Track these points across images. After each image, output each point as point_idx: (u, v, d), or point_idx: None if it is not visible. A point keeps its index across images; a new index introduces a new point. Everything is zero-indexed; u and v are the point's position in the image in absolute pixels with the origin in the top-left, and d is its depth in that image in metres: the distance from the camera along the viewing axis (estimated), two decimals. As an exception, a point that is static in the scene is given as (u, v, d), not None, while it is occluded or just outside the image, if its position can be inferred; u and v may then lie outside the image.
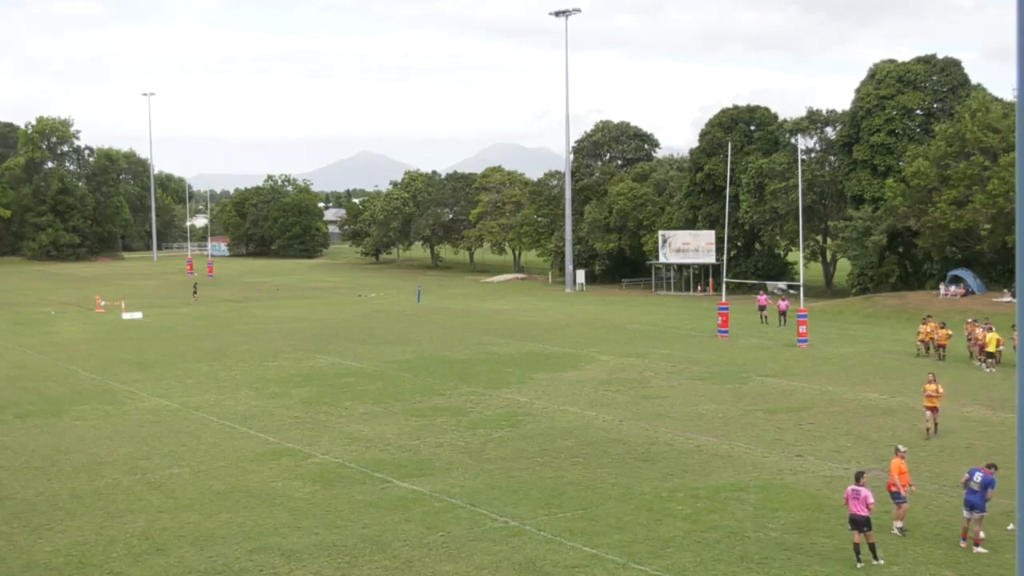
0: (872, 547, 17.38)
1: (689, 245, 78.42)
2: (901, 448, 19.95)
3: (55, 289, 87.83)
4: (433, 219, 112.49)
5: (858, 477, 18.02)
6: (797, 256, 64.69)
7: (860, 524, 17.34)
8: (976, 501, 18.06)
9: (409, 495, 21.96)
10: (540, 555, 17.99)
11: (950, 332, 41.43)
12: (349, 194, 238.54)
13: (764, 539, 18.67)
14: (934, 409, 27.11)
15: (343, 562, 17.78)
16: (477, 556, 17.97)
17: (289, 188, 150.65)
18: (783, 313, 54.22)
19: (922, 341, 41.97)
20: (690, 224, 79.84)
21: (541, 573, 17.19)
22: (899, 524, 18.98)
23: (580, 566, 17.39)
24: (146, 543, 19.01)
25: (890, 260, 67.26)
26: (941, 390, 27.35)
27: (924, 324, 42.66)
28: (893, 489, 19.10)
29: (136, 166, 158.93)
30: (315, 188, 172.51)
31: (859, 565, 17.20)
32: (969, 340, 40.30)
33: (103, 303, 68.19)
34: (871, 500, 17.47)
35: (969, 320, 42.42)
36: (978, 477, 18.25)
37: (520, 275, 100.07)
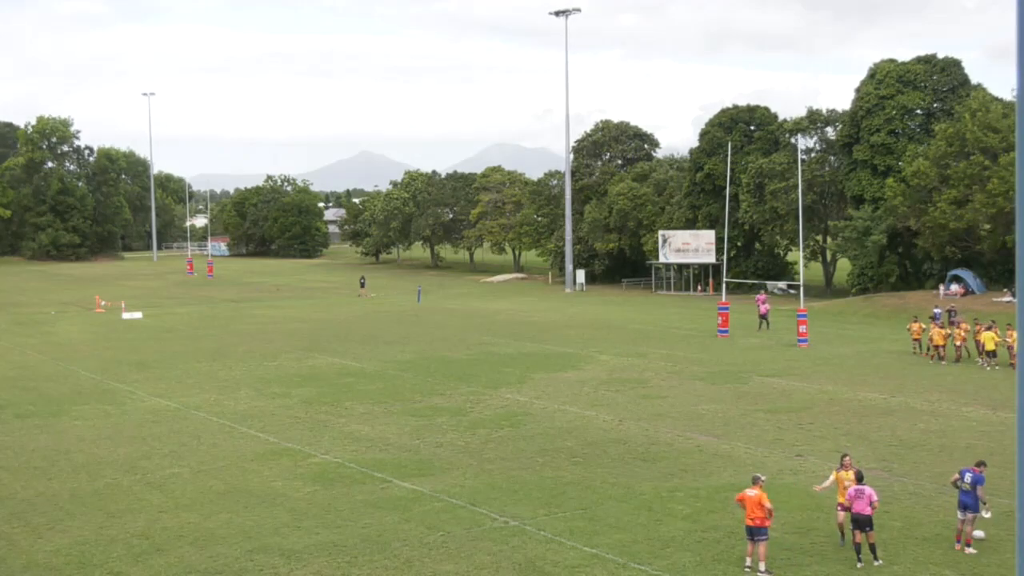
0: (872, 547, 17.40)
1: (689, 245, 78.43)
2: (761, 477, 17.91)
3: (55, 289, 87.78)
4: (433, 219, 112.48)
5: (859, 478, 18.03)
6: (797, 256, 64.69)
7: (863, 524, 17.37)
8: (969, 501, 18.08)
9: (409, 495, 21.96)
10: (540, 555, 18.00)
11: (946, 331, 41.49)
12: (349, 194, 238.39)
13: (764, 539, 18.66)
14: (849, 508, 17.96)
15: (343, 562, 17.78)
16: (477, 556, 17.97)
17: (289, 188, 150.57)
18: (764, 316, 52.15)
19: (916, 340, 42.52)
20: (690, 224, 79.84)
21: (541, 573, 17.19)
22: (762, 565, 17.02)
23: (580, 566, 17.40)
24: (146, 543, 19.01)
25: (890, 260, 67.29)
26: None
27: (914, 323, 43.42)
28: (755, 524, 17.08)
29: (136, 166, 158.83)
30: (315, 188, 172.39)
31: (859, 565, 17.23)
32: (961, 341, 40.70)
33: (103, 303, 68.19)
34: (875, 499, 17.50)
35: (975, 321, 42.58)
36: (968, 477, 18.28)
37: (520, 275, 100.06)
